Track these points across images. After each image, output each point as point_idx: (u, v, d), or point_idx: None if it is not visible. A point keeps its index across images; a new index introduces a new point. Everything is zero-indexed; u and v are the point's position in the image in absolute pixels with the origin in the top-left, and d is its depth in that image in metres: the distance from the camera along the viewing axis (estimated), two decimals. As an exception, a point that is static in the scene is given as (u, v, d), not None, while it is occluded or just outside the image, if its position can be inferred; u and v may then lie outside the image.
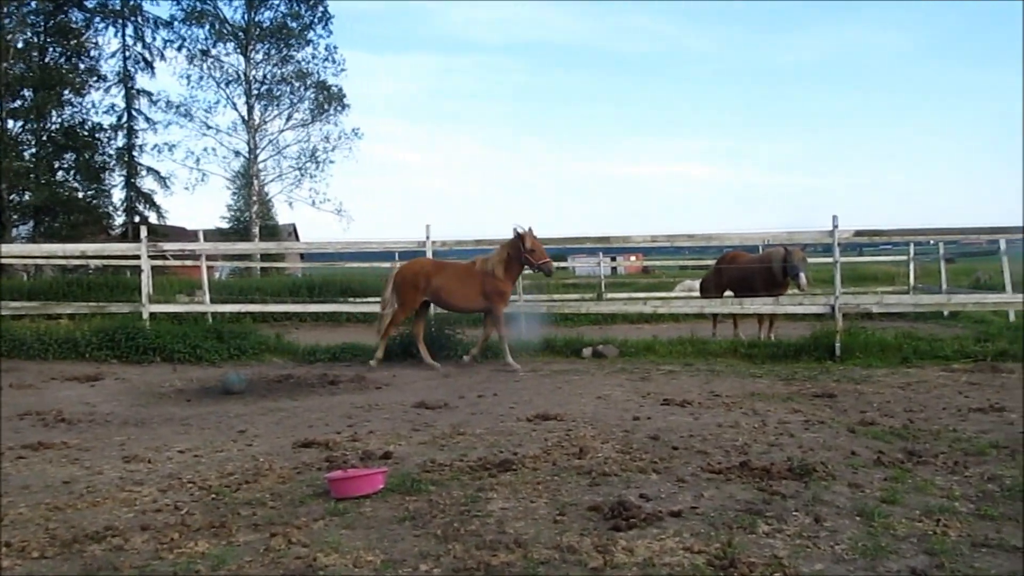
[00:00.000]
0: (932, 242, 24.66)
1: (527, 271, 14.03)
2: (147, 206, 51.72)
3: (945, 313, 20.55)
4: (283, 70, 52.31)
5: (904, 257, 26.35)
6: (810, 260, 25.63)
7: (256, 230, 51.74)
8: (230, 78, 51.76)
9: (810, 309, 14.86)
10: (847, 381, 11.26)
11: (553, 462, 6.76)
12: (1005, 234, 16.74)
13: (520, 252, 13.43)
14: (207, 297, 21.33)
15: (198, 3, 50.72)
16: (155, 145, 53.10)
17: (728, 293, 17.16)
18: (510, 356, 13.23)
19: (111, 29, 50.45)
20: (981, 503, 5.61)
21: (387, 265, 31.40)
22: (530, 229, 13.48)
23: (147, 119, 51.26)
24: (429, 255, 15.71)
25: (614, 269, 66.80)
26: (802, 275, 14.83)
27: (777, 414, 8.85)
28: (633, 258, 76.01)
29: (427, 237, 15.60)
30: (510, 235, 15.89)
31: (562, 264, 48.79)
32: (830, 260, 14.94)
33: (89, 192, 48.89)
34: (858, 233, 14.39)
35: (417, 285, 13.55)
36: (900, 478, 6.21)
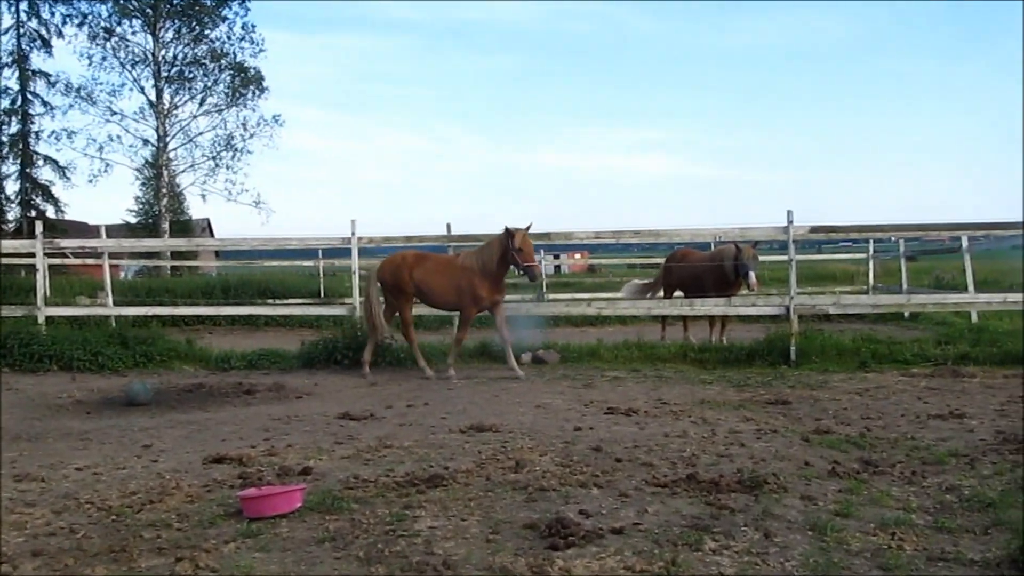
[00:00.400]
0: (893, 239, 25.06)
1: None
2: (44, 199, 50.93)
3: (906, 314, 20.93)
4: (196, 50, 51.77)
5: (864, 255, 26.79)
6: (767, 258, 26.13)
7: (166, 225, 51.12)
8: (137, 59, 51.09)
9: (764, 310, 15.06)
10: (802, 387, 11.44)
11: (487, 477, 6.78)
12: (967, 230, 17.08)
13: (507, 250, 13.13)
14: (110, 299, 21.01)
15: (100, -25, 49.98)
16: (53, 132, 52.00)
17: (678, 294, 17.32)
18: (454, 359, 13.51)
19: (3, 3, 49.52)
20: (939, 515, 5.74)
21: (309, 263, 31.35)
22: (528, 227, 13.31)
23: (44, 103, 50.49)
24: (354, 253, 15.67)
25: (557, 268, 67.20)
26: (752, 274, 15.01)
27: (728, 423, 8.96)
28: (578, 256, 76.46)
29: (352, 233, 15.55)
30: (442, 231, 15.95)
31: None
32: (785, 258, 15.14)
33: (-23, 183, 47.98)
34: (814, 229, 14.62)
35: (399, 279, 13.52)
36: (855, 489, 6.33)
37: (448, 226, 16.07)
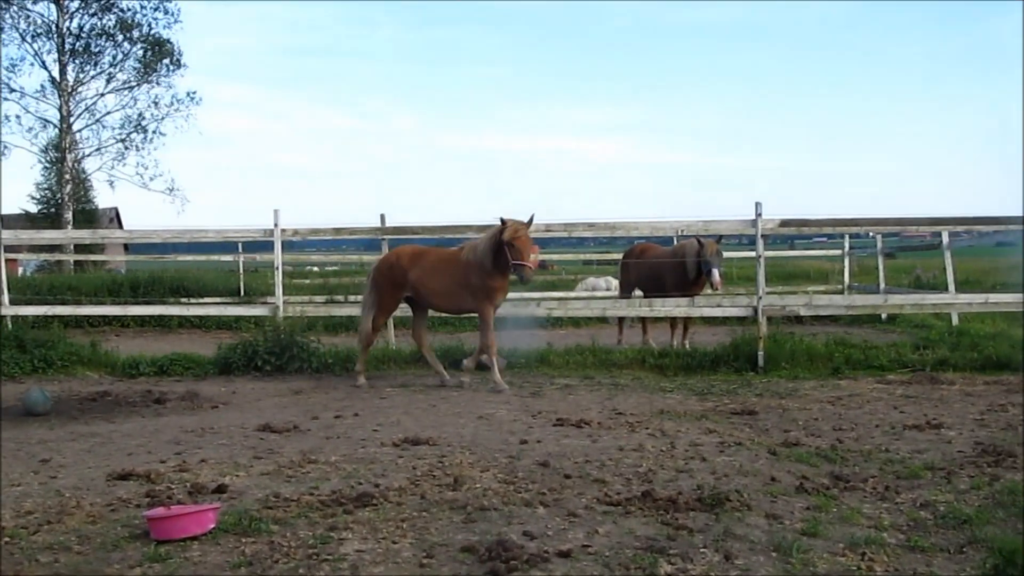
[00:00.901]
0: (870, 234, 25.31)
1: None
2: (-71, 186, 50.03)
3: (883, 316, 21.20)
4: (103, 20, 51.12)
5: (839, 252, 27.06)
6: (735, 254, 26.34)
7: (69, 215, 50.46)
8: (39, 30, 50.38)
9: (730, 312, 15.19)
10: (770, 396, 11.59)
11: (422, 495, 6.80)
12: (947, 225, 17.32)
13: (500, 245, 12.54)
14: (6, 297, 20.73)
15: (-5, -63, 49.20)
16: (-60, 111, 51.17)
17: (637, 292, 17.39)
18: (498, 373, 12.66)
19: None
20: (911, 533, 5.86)
21: (228, 258, 31.15)
22: (530, 220, 12.82)
23: (-72, 79, 49.52)
24: (277, 246, 15.60)
25: (505, 264, 66.76)
26: (715, 271, 15.10)
27: (688, 435, 9.06)
28: (527, 251, 76.21)
29: (275, 224, 15.50)
30: (374, 221, 15.94)
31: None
32: (754, 254, 15.24)
33: None
34: (784, 223, 14.78)
35: (394, 279, 13.10)
36: (824, 507, 6.44)
37: (382, 217, 16.05)
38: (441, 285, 12.94)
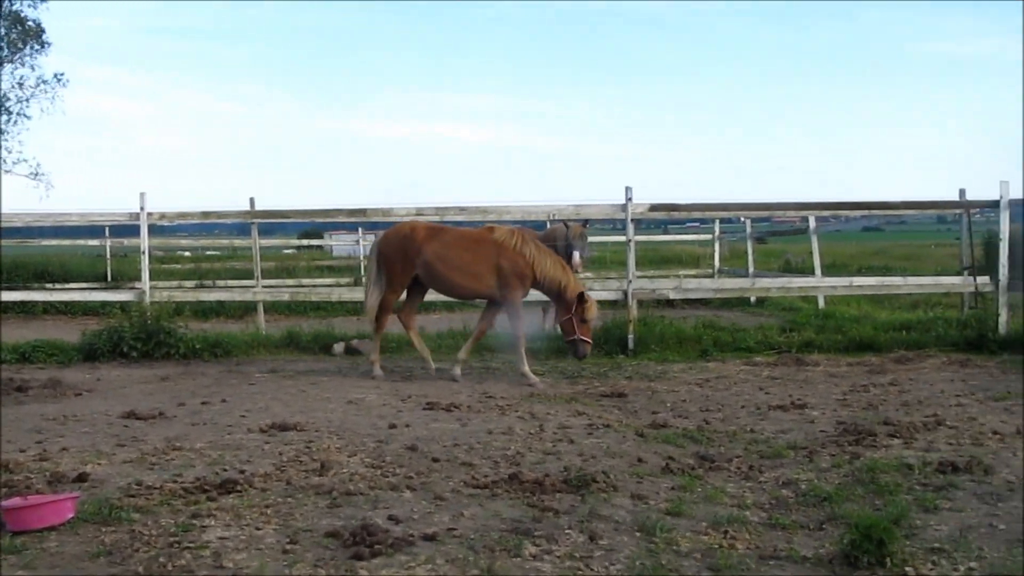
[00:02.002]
0: (741, 219, 25.77)
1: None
2: None
3: (752, 299, 21.59)
4: (-40, -3, 49.53)
5: (710, 236, 27.49)
6: (609, 239, 26.58)
7: (-76, 199, 48.86)
8: None
9: (600, 295, 15.24)
10: (640, 378, 11.73)
11: (287, 481, 6.73)
12: (814, 210, 17.70)
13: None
14: None
15: None
16: None
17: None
18: (526, 365, 11.86)
19: None
20: (773, 511, 5.99)
21: (95, 242, 30.48)
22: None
23: None
24: (144, 230, 15.27)
25: (379, 249, 66.60)
26: (576, 254, 15.17)
27: (558, 417, 9.11)
28: (402, 236, 76.09)
29: (141, 208, 15.14)
30: (245, 206, 15.70)
31: (317, 242, 48.47)
32: (625, 239, 15.36)
33: None
34: (654, 207, 14.93)
35: (406, 253, 12.13)
36: (689, 487, 6.54)
37: (251, 200, 15.83)
38: (464, 263, 12.07)
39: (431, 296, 13.37)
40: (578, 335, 11.90)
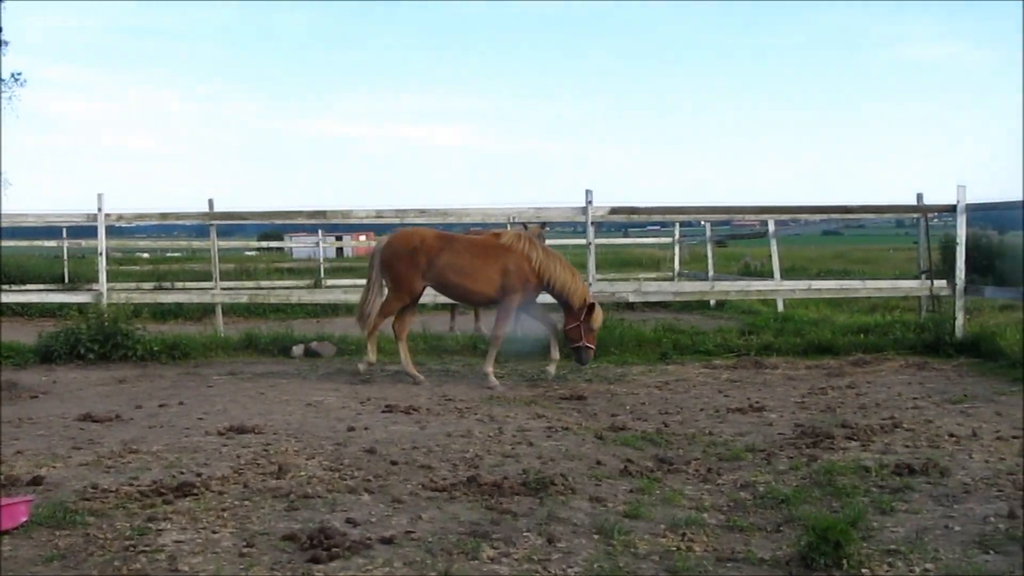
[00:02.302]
0: (700, 223, 25.86)
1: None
2: None
3: (712, 303, 21.66)
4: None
5: (670, 240, 27.57)
6: (570, 242, 26.58)
7: None
8: None
9: (560, 298, 15.27)
10: (599, 381, 11.74)
11: (245, 484, 6.69)
12: (773, 214, 17.78)
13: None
14: None
15: None
16: None
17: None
18: (492, 367, 11.88)
19: None
20: (731, 513, 6.01)
21: (52, 243, 30.21)
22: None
23: None
24: (101, 231, 15.15)
25: (340, 250, 66.62)
26: None
27: (517, 420, 9.11)
28: (363, 238, 75.96)
29: (99, 209, 15.01)
30: (204, 207, 15.61)
31: (277, 244, 48.32)
32: (585, 242, 15.35)
33: None
34: (614, 210, 14.95)
35: (417, 262, 11.92)
36: (648, 489, 6.55)
37: (210, 202, 15.74)
38: (476, 270, 11.98)
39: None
40: (584, 342, 11.94)
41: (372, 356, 12.25)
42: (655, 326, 15.22)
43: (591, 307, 11.90)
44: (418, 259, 11.87)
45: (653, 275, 27.35)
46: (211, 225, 16.76)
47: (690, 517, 5.85)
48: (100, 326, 13.92)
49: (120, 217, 15.52)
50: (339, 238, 64.30)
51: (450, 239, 12.27)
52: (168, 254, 46.75)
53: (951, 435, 8.23)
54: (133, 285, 21.88)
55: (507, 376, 12.15)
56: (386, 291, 12.29)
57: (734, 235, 32.81)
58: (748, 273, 28.39)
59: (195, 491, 6.44)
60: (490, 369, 11.72)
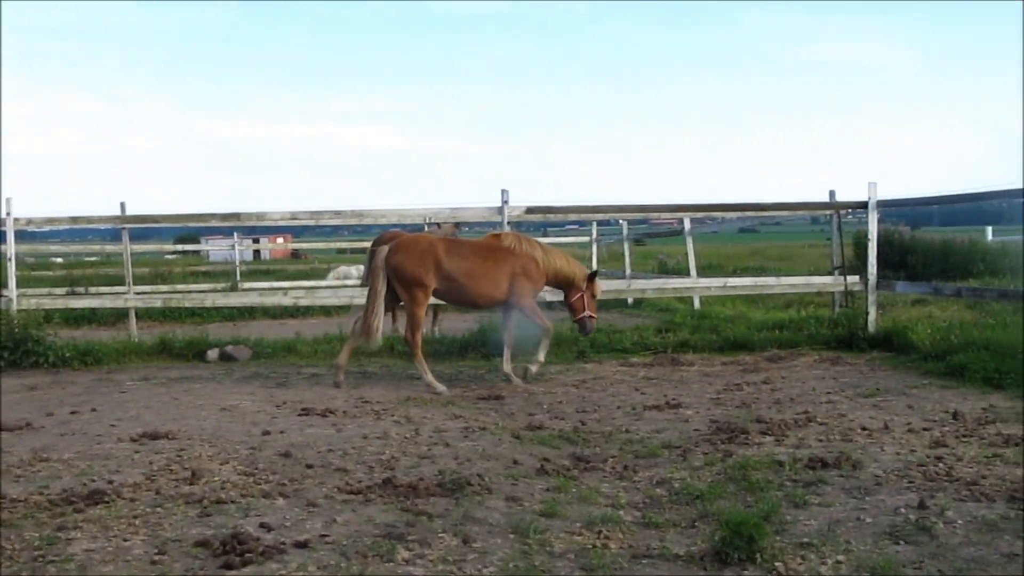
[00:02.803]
0: (619, 221, 26.01)
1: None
2: None
3: (629, 301, 21.79)
4: None
5: (588, 239, 27.69)
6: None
7: None
8: None
9: (478, 299, 15.27)
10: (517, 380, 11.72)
11: (157, 490, 6.59)
12: (688, 212, 17.95)
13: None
14: None
15: None
16: None
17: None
18: (510, 366, 11.95)
19: None
20: (647, 510, 6.04)
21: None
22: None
23: None
24: (10, 236, 14.83)
25: (257, 253, 66.21)
26: None
27: (434, 421, 9.08)
28: (280, 240, 75.51)
29: (7, 213, 14.62)
30: (116, 210, 15.36)
31: (194, 247, 47.86)
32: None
33: None
34: (530, 210, 14.96)
35: (428, 265, 11.65)
36: (564, 487, 6.56)
37: (122, 205, 15.53)
38: (485, 273, 11.85)
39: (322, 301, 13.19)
40: (587, 312, 12.35)
41: (344, 359, 12.01)
42: (572, 325, 15.27)
43: (593, 275, 12.44)
44: (429, 262, 11.68)
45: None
46: (123, 229, 16.53)
47: (606, 514, 5.87)
48: (10, 333, 13.65)
49: (29, 221, 15.24)
50: (256, 240, 63.75)
51: (455, 243, 12.17)
52: (85, 258, 46.06)
53: (863, 428, 8.35)
54: (45, 291, 21.49)
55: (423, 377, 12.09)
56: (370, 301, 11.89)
57: (650, 233, 33.06)
58: (665, 271, 28.62)
59: (106, 499, 6.34)
60: (509, 368, 11.90)
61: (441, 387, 11.17)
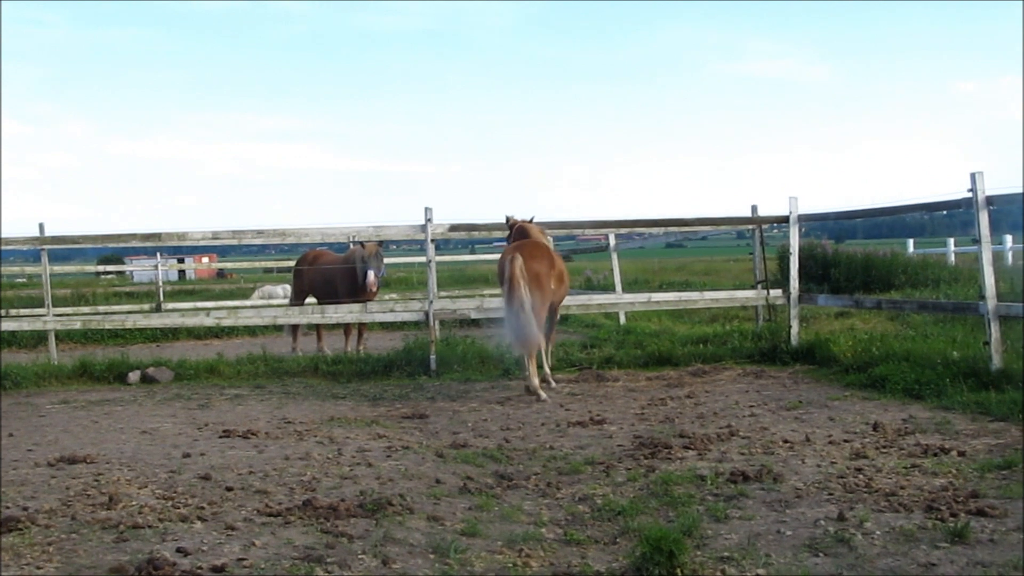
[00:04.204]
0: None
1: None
2: None
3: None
4: None
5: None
6: (416, 260, 26.52)
7: None
8: None
9: (402, 316, 15.24)
10: (442, 399, 11.71)
11: (73, 516, 6.47)
12: (613, 228, 18.01)
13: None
14: None
15: None
16: None
17: (311, 300, 17.31)
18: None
19: None
20: (569, 527, 6.04)
21: None
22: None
23: None
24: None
25: (182, 273, 65.56)
26: (370, 273, 15.35)
27: (357, 441, 9.02)
28: (205, 259, 74.85)
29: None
30: (35, 231, 15.10)
31: (118, 268, 47.25)
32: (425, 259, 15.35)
33: None
34: (453, 227, 14.96)
35: (552, 270, 11.99)
36: (486, 506, 6.55)
37: (41, 226, 15.35)
38: (552, 278, 12.05)
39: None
40: None
41: (534, 378, 11.72)
42: (497, 342, 15.28)
43: None
44: (552, 265, 12.02)
45: (498, 291, 27.43)
46: (42, 250, 16.29)
47: (527, 532, 5.86)
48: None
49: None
50: (181, 260, 63.09)
51: (531, 246, 12.13)
52: (16, 280, 45.36)
53: (785, 441, 8.44)
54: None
55: (348, 396, 12.02)
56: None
57: (577, 250, 33.21)
58: (590, 287, 28.69)
59: (20, 526, 6.20)
60: (548, 375, 12.44)
61: (544, 395, 11.49)
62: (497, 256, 34.00)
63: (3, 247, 16.18)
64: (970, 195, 11.07)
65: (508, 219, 13.46)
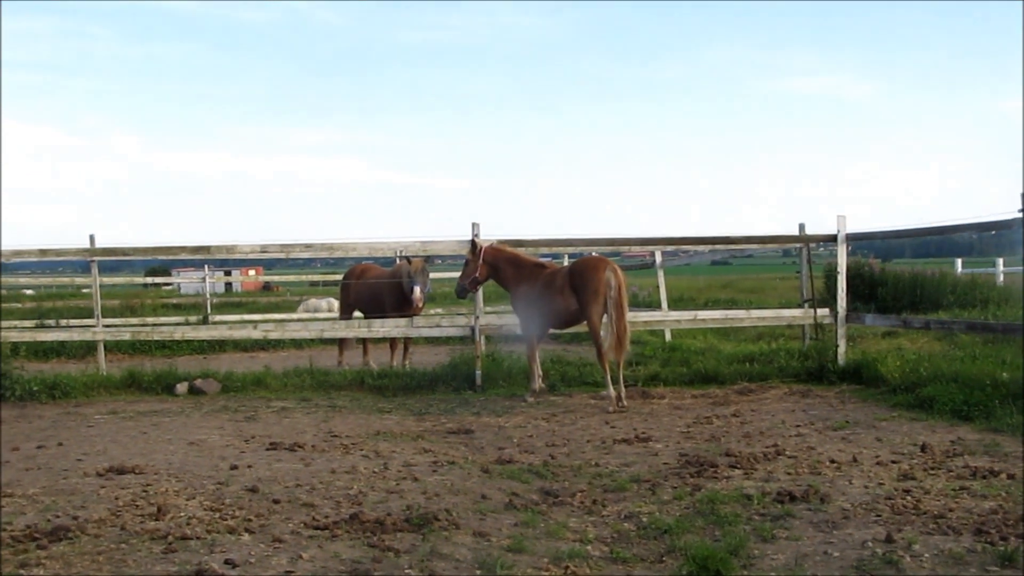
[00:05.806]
0: (591, 254, 25.93)
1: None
2: None
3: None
4: None
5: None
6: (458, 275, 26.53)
7: None
8: None
9: (448, 331, 15.28)
10: (488, 414, 11.71)
11: (122, 526, 6.54)
12: (659, 245, 17.97)
13: None
14: None
15: None
16: None
17: (357, 314, 17.37)
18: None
19: None
20: (615, 544, 6.02)
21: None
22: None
23: None
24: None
25: (229, 285, 65.97)
26: (416, 288, 15.36)
27: (403, 455, 9.04)
28: (252, 272, 75.33)
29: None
30: (85, 243, 15.26)
31: (167, 280, 47.71)
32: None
33: None
34: (501, 243, 14.95)
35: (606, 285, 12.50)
36: (531, 522, 6.54)
37: (91, 238, 15.50)
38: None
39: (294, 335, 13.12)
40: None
41: (613, 391, 12.30)
42: (543, 358, 15.26)
43: None
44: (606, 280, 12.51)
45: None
46: (92, 261, 16.46)
47: (573, 549, 5.85)
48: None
49: (-4, 253, 15.13)
50: (228, 272, 63.54)
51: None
52: (56, 290, 45.89)
53: (832, 461, 8.36)
54: (12, 323, 21.35)
55: (394, 411, 12.05)
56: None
57: (623, 266, 33.00)
58: (636, 303, 28.57)
59: (70, 535, 6.29)
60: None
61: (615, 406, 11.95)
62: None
63: (55, 258, 16.34)
64: (1020, 215, 10.97)
65: (474, 242, 13.63)
